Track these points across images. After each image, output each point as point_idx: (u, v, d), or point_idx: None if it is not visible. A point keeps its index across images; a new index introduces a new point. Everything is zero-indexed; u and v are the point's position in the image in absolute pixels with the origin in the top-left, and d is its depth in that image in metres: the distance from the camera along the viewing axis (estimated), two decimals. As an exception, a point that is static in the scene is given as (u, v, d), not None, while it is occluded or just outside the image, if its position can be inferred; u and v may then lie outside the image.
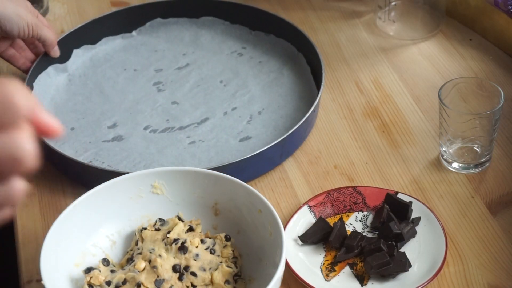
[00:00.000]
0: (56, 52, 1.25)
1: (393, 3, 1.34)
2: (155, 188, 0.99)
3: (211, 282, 0.92)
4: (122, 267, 0.96)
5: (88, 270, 0.93)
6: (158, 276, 0.91)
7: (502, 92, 1.05)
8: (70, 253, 0.95)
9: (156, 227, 0.97)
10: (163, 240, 0.95)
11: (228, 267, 0.93)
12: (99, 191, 0.98)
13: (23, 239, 1.04)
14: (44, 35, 1.22)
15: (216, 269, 0.93)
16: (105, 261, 0.95)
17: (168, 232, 0.96)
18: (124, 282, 0.91)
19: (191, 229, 0.97)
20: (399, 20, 1.34)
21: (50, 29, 1.23)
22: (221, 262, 0.94)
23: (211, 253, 0.94)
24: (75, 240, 0.96)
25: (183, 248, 0.93)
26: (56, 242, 0.93)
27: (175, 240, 0.94)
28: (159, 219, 0.98)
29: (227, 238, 0.96)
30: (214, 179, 0.98)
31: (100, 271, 0.93)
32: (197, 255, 0.93)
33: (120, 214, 0.99)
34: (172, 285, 0.91)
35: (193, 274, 0.92)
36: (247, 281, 0.94)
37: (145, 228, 0.98)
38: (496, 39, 1.30)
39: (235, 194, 0.96)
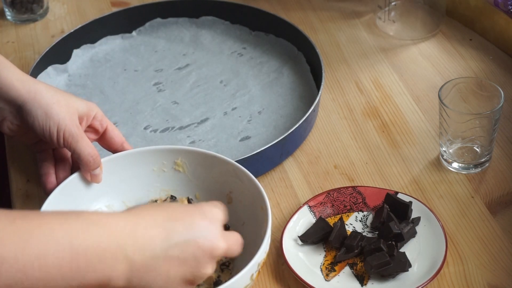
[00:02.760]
0: (95, 177, 0.99)
1: (393, 3, 1.34)
2: (177, 165, 1.02)
3: None
4: None
5: None
6: None
7: (502, 92, 1.05)
8: (83, 208, 0.99)
9: None
10: None
11: None
12: (123, 157, 1.01)
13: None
14: (79, 150, 0.97)
15: None
16: None
17: None
18: None
19: None
20: (399, 20, 1.34)
21: (91, 148, 0.98)
22: None
23: None
24: (92, 197, 1.00)
25: None
26: (71, 197, 0.97)
27: None
28: (171, 196, 1.01)
29: (226, 227, 0.97)
30: (232, 168, 0.99)
31: None
32: None
33: (141, 183, 1.02)
34: None
35: None
36: (234, 272, 0.94)
37: (156, 201, 1.01)
38: (496, 39, 1.30)
39: (246, 187, 0.98)
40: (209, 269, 0.81)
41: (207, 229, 0.81)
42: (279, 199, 1.08)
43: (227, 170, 0.99)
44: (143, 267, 0.76)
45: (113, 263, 0.74)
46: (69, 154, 1.03)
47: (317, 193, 1.07)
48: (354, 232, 0.99)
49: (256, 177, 0.97)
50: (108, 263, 0.74)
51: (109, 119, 1.19)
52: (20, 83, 0.97)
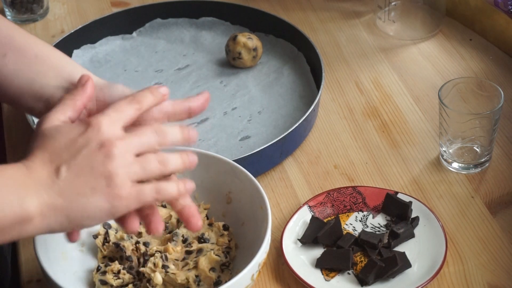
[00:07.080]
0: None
1: (393, 3, 1.34)
2: None
3: (196, 267, 0.93)
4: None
5: (96, 236, 0.97)
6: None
7: (502, 92, 1.05)
8: None
9: (163, 204, 1.00)
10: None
11: (217, 255, 0.93)
12: None
13: (23, 239, 1.04)
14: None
15: (204, 255, 0.94)
16: (106, 225, 0.98)
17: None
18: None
19: None
20: (399, 20, 1.34)
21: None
22: (211, 249, 0.94)
23: (201, 242, 0.96)
24: None
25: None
26: None
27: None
28: None
29: (225, 228, 0.97)
30: (230, 168, 0.99)
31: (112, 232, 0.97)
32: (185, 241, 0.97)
33: None
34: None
35: (165, 266, 0.93)
36: (233, 273, 0.94)
37: None
38: (496, 39, 1.30)
39: (245, 186, 0.98)
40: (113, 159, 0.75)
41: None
42: (279, 199, 1.08)
43: (225, 170, 0.99)
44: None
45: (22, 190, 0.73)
46: None
47: (317, 193, 1.07)
48: (348, 235, 0.99)
49: (255, 176, 0.97)
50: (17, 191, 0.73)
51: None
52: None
